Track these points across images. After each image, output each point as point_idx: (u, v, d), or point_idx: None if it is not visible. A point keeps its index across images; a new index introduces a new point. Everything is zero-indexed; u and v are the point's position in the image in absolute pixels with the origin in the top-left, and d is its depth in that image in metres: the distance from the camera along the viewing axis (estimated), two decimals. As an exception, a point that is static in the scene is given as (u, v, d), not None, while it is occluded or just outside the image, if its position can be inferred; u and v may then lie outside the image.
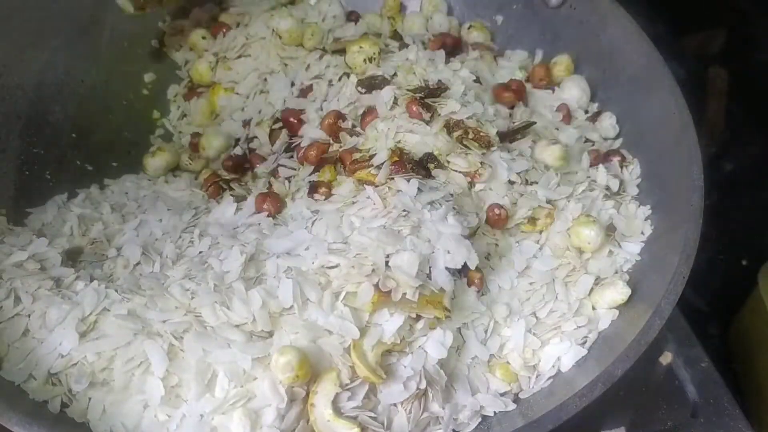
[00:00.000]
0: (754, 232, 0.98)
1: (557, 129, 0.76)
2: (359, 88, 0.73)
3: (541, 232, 0.68)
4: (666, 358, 0.75)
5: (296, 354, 0.53)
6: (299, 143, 0.73)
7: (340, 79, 0.76)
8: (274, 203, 0.68)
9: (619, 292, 0.63)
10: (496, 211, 0.66)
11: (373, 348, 0.56)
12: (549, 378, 0.61)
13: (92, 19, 0.77)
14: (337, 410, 0.54)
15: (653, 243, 0.68)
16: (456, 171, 0.66)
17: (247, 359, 0.54)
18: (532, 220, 0.68)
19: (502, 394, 0.60)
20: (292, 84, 0.79)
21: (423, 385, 0.57)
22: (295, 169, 0.72)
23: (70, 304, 0.57)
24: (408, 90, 0.70)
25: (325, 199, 0.66)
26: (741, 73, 1.15)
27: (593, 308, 0.65)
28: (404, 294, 0.57)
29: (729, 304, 0.93)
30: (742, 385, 0.86)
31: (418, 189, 0.63)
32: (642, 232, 0.69)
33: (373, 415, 0.55)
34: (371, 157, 0.67)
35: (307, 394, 0.55)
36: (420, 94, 0.69)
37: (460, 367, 0.60)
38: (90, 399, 0.55)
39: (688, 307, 0.76)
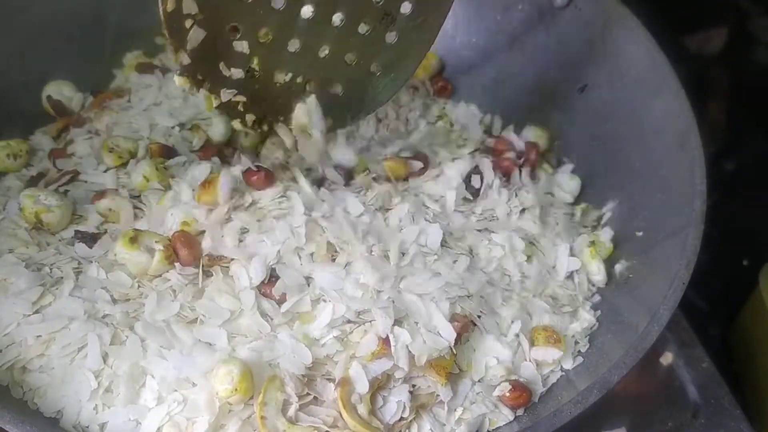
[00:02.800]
0: (754, 232, 0.98)
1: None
2: None
3: None
4: (667, 358, 0.75)
5: (238, 366, 0.49)
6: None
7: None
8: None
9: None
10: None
11: (363, 398, 0.51)
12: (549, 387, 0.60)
13: (95, 17, 0.76)
14: (291, 419, 0.50)
15: (654, 247, 0.67)
16: None
17: (182, 371, 0.51)
18: None
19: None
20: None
21: (406, 414, 0.53)
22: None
23: (31, 281, 0.56)
24: None
25: None
26: (741, 73, 1.15)
27: (588, 279, 0.68)
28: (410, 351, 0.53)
29: (730, 304, 0.93)
30: (743, 385, 0.86)
31: None
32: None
33: None
34: None
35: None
36: None
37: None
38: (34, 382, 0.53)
39: (689, 308, 0.76)
